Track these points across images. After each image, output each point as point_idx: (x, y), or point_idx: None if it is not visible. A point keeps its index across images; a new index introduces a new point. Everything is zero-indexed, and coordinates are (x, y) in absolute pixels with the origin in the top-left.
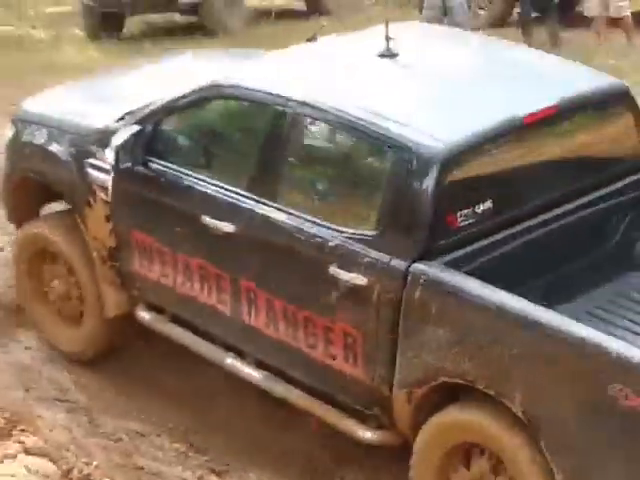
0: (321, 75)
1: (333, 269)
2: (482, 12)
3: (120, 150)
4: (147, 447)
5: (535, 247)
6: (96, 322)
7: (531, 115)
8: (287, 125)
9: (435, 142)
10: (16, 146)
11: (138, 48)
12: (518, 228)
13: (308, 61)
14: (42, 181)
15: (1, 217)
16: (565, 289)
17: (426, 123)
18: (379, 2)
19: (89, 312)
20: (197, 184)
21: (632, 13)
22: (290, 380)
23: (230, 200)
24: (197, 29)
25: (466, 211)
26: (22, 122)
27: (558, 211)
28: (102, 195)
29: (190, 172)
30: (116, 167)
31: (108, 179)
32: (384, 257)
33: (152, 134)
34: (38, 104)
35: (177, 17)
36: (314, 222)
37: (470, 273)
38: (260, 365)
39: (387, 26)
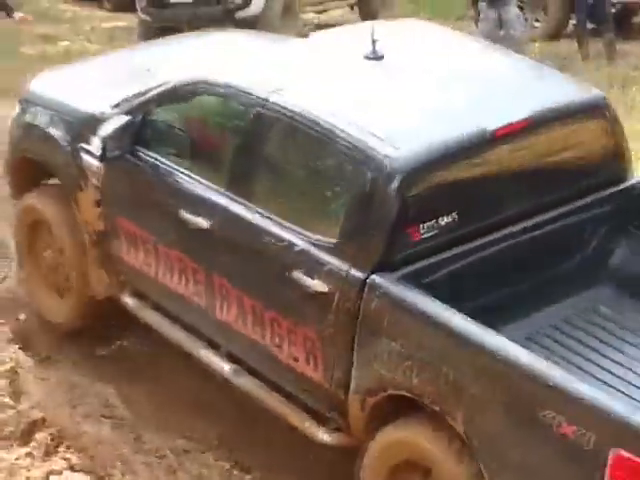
0: (302, 77)
1: (297, 274)
2: (538, 24)
3: (109, 139)
4: (191, 464)
5: (502, 260)
6: (79, 298)
7: (502, 128)
8: (262, 126)
9: (398, 153)
10: (19, 126)
11: None
12: (483, 241)
13: (292, 61)
14: (40, 162)
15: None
16: (531, 303)
17: (392, 133)
18: (435, 17)
19: (72, 287)
20: (178, 177)
21: None
22: (260, 376)
23: (207, 196)
24: None
25: (429, 223)
26: (27, 102)
27: (526, 224)
28: (93, 180)
29: (173, 165)
30: (103, 155)
31: (99, 165)
32: (344, 266)
33: (141, 124)
34: (43, 85)
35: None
36: (283, 225)
37: (430, 286)
38: (232, 358)
39: (374, 28)
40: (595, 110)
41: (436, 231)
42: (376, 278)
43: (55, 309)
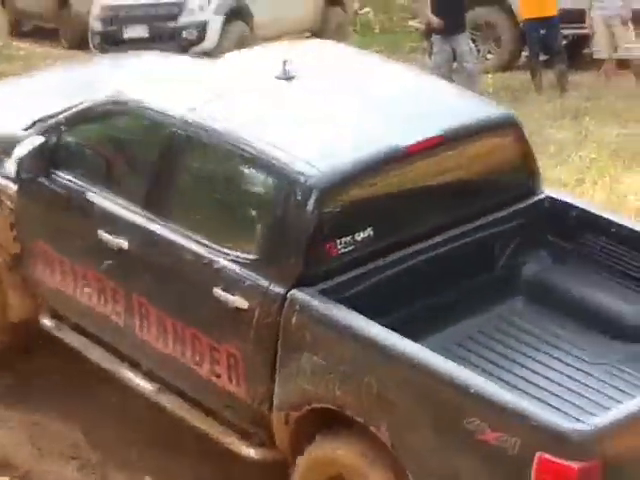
0: (215, 96)
1: (217, 291)
2: (490, 56)
3: (22, 161)
4: None
5: (418, 274)
6: None
7: (416, 145)
8: (178, 145)
9: (314, 171)
10: None
11: None
12: (399, 255)
13: (207, 80)
14: None
15: None
16: (448, 315)
17: (308, 151)
18: (387, 49)
19: None
20: (95, 198)
21: None
22: (181, 394)
23: (125, 216)
24: None
25: (346, 239)
26: None
27: (441, 239)
28: (8, 203)
29: (90, 186)
30: (18, 178)
31: (14, 187)
32: (264, 282)
33: (55, 146)
34: None
35: None
36: (201, 243)
37: (349, 300)
38: (153, 377)
39: (286, 48)
40: (505, 127)
41: (353, 246)
42: (296, 293)
43: None
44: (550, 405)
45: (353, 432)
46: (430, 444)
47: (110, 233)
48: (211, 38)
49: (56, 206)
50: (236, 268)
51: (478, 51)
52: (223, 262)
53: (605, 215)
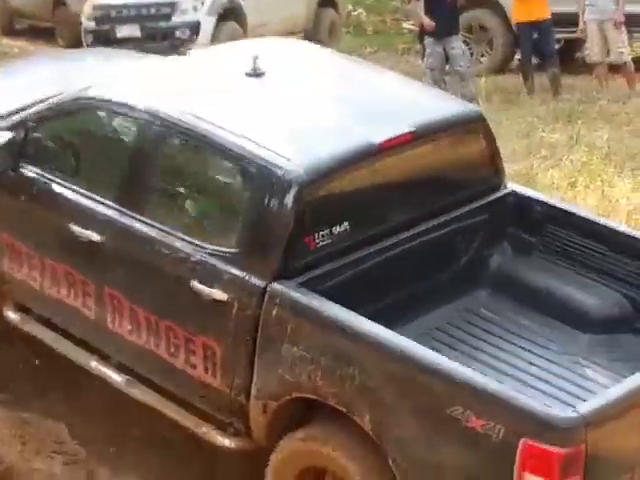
0: (188, 92)
1: (194, 283)
2: (483, 59)
3: None
4: None
5: (390, 267)
6: None
7: (388, 140)
8: (153, 141)
9: (294, 166)
10: None
11: None
12: (374, 248)
13: (177, 76)
14: None
15: None
16: (417, 306)
17: (287, 146)
18: (380, 50)
19: None
20: (67, 192)
21: (633, 59)
22: (152, 385)
23: (98, 210)
24: None
25: (323, 232)
26: None
27: (412, 232)
28: None
29: (60, 180)
30: None
31: None
32: (244, 275)
33: (24, 140)
34: None
35: None
36: (178, 236)
37: (326, 292)
38: (122, 368)
39: (249, 46)
40: (472, 123)
41: (330, 240)
42: (276, 285)
43: None
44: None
45: (333, 423)
46: (414, 432)
47: (83, 227)
48: (204, 38)
49: (25, 200)
50: (215, 262)
51: (471, 54)
52: (202, 256)
53: (569, 209)
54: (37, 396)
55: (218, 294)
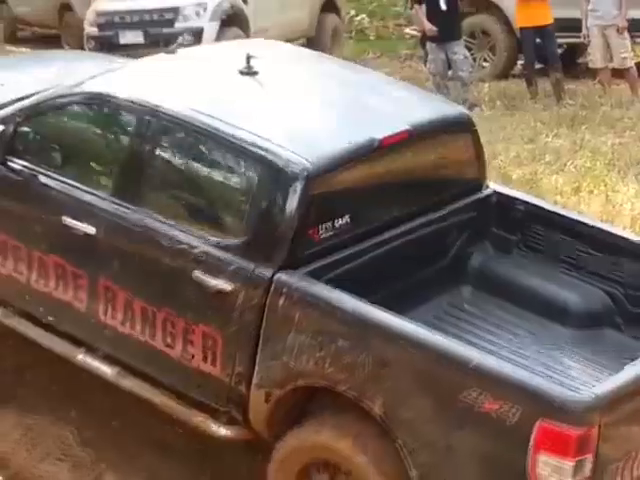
0: (187, 87)
1: (197, 274)
2: (486, 64)
3: None
4: None
5: (385, 260)
6: None
7: (388, 138)
8: (154, 135)
9: (302, 160)
10: None
11: None
12: (371, 242)
13: (174, 73)
14: None
15: None
16: (407, 300)
17: (293, 141)
18: (382, 55)
19: None
20: (59, 185)
21: (636, 64)
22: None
23: (95, 203)
24: None
25: (327, 224)
26: None
27: (403, 228)
28: None
29: (52, 173)
30: None
31: None
32: (249, 265)
33: (13, 134)
34: None
35: None
36: (180, 229)
37: (329, 282)
38: (111, 361)
39: (236, 46)
40: (462, 125)
41: (332, 232)
42: (282, 276)
43: None
44: None
45: (341, 415)
46: (426, 416)
47: (76, 219)
48: (207, 41)
49: (12, 193)
50: (219, 253)
51: (474, 59)
52: (205, 247)
53: (550, 208)
54: (43, 401)
55: (222, 284)
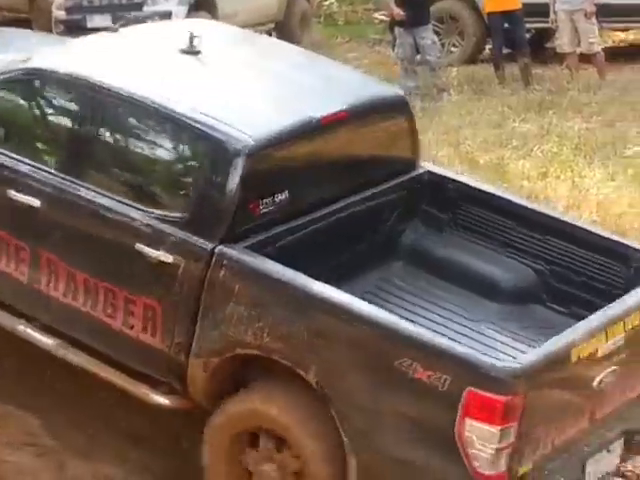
0: (129, 64)
1: (139, 246)
2: (454, 49)
3: None
4: None
5: (321, 235)
6: None
7: (327, 116)
8: (98, 111)
9: (244, 136)
10: None
11: None
12: (308, 217)
13: (116, 50)
14: None
15: None
16: (341, 274)
17: (235, 117)
18: (351, 40)
19: None
20: (5, 160)
21: (603, 49)
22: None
23: (39, 177)
24: None
25: (267, 200)
26: None
27: (341, 204)
28: None
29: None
30: None
31: None
32: (191, 238)
33: None
34: None
35: None
36: (123, 202)
37: (268, 256)
38: (51, 332)
39: (174, 26)
40: (399, 106)
41: (272, 207)
42: (223, 248)
43: None
44: None
45: (272, 383)
46: (361, 385)
47: (20, 192)
48: None
49: None
50: (161, 226)
51: (442, 44)
52: (147, 220)
53: (481, 187)
54: (7, 388)
55: (164, 256)
